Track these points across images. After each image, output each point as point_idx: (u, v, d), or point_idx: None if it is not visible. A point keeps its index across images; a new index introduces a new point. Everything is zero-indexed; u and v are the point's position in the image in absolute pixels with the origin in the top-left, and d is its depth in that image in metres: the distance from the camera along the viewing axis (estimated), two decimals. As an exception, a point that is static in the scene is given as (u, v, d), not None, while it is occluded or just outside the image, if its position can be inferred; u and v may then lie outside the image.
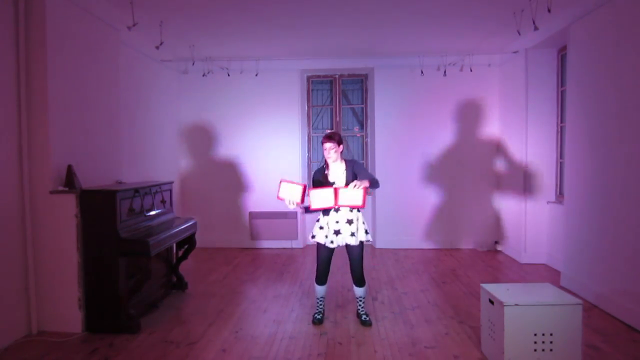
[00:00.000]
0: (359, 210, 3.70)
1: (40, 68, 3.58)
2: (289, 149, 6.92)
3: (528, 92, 5.69)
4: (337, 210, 3.65)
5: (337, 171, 3.71)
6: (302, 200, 3.55)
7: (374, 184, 3.59)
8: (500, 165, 6.60)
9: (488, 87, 6.64)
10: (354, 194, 3.46)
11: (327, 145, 3.63)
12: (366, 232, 3.70)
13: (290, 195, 3.55)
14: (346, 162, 3.74)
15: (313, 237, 3.76)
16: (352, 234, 3.64)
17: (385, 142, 6.79)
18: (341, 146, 3.69)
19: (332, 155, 3.64)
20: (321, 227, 3.72)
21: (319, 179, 3.72)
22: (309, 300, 4.43)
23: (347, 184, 3.61)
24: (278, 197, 3.63)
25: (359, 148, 7.30)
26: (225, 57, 6.44)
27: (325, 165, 3.74)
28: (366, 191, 3.50)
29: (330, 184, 3.67)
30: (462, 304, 4.27)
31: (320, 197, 3.51)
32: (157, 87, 6.18)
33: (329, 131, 3.71)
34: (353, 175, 3.68)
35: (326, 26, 5.22)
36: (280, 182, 3.61)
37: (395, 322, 3.83)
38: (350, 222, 3.65)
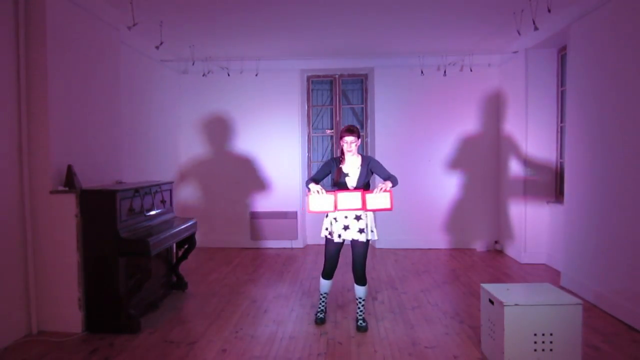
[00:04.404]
0: None
1: (40, 68, 3.58)
2: (289, 149, 6.91)
3: (528, 92, 5.69)
4: None
5: (352, 165, 3.72)
6: (335, 208, 3.56)
7: (394, 182, 3.61)
8: (500, 165, 6.60)
9: (488, 87, 6.64)
10: (381, 197, 3.50)
11: (349, 138, 3.65)
12: (372, 230, 3.69)
13: (322, 206, 3.55)
14: (362, 157, 3.76)
15: (330, 233, 3.69)
16: (360, 231, 3.63)
17: (385, 142, 6.79)
18: (359, 139, 3.73)
19: (353, 148, 3.67)
20: (331, 223, 3.69)
21: (332, 169, 3.75)
22: (309, 300, 4.43)
23: (360, 179, 3.68)
24: (309, 211, 3.65)
25: (359, 148, 7.29)
26: (225, 57, 6.44)
27: (342, 157, 3.74)
28: (392, 192, 3.55)
29: (344, 175, 3.70)
30: (462, 304, 4.27)
31: (346, 199, 3.54)
32: (157, 87, 6.18)
33: (346, 125, 3.75)
34: (368, 171, 3.71)
35: (326, 26, 5.22)
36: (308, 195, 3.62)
37: (395, 322, 3.83)
38: (358, 218, 3.64)
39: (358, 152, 3.76)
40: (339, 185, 3.72)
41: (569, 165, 4.74)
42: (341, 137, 3.70)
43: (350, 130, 3.67)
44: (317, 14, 4.79)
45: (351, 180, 3.70)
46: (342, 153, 3.73)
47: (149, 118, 5.87)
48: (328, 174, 3.79)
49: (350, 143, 3.65)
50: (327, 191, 3.55)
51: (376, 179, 6.45)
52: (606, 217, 4.07)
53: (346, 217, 3.64)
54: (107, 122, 4.44)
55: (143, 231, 3.86)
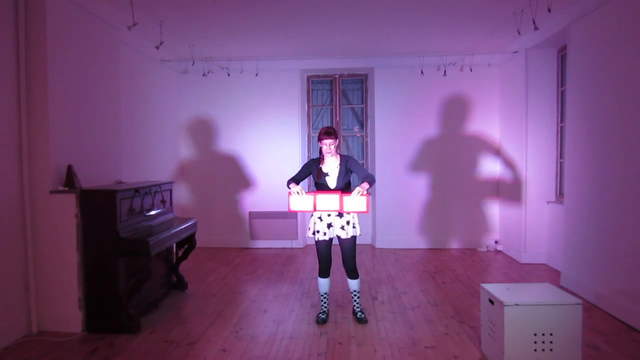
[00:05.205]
0: None
1: (40, 68, 3.58)
2: (289, 148, 6.92)
3: (528, 92, 5.69)
4: None
5: (331, 164, 3.85)
6: (315, 208, 3.69)
7: (371, 181, 3.67)
8: (500, 165, 6.60)
9: (488, 87, 6.64)
10: (358, 200, 3.58)
11: (328, 141, 3.75)
12: (353, 226, 3.79)
13: (302, 206, 3.69)
14: (340, 156, 3.88)
15: (313, 233, 3.84)
16: (343, 227, 3.75)
17: (385, 142, 6.79)
18: (337, 140, 3.83)
19: (332, 149, 3.78)
20: (315, 223, 3.82)
21: (312, 170, 3.88)
22: (309, 300, 4.43)
23: (339, 177, 3.80)
24: (290, 210, 3.77)
25: (359, 148, 7.30)
26: (225, 57, 6.44)
27: (321, 158, 3.87)
28: (368, 195, 3.63)
29: (324, 175, 3.83)
30: (462, 304, 4.27)
31: (325, 201, 3.66)
32: (157, 87, 6.17)
33: (324, 128, 3.82)
34: (346, 170, 3.82)
35: (326, 26, 5.22)
36: (290, 194, 3.71)
37: (395, 322, 3.83)
38: (340, 215, 3.76)
39: (337, 152, 3.87)
40: (320, 185, 3.84)
41: (569, 166, 4.74)
42: (320, 140, 3.79)
43: (329, 133, 3.77)
44: (317, 14, 4.79)
45: (331, 180, 3.82)
46: (321, 154, 3.86)
47: (148, 118, 5.87)
48: (308, 175, 3.93)
49: (329, 145, 3.76)
50: (307, 192, 3.70)
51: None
52: (606, 217, 4.07)
53: (329, 215, 3.77)
54: (107, 122, 4.44)
55: (143, 231, 3.86)
